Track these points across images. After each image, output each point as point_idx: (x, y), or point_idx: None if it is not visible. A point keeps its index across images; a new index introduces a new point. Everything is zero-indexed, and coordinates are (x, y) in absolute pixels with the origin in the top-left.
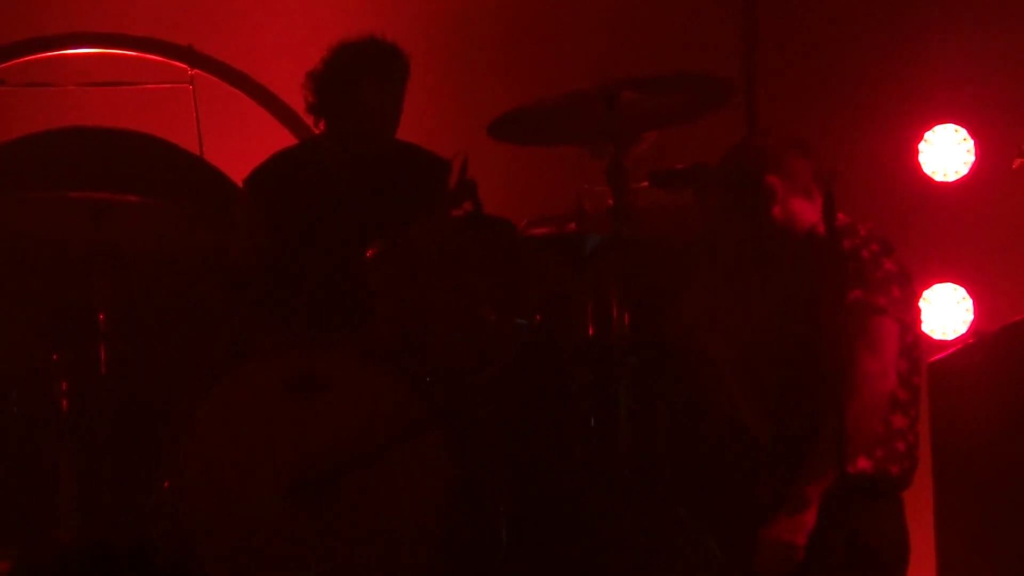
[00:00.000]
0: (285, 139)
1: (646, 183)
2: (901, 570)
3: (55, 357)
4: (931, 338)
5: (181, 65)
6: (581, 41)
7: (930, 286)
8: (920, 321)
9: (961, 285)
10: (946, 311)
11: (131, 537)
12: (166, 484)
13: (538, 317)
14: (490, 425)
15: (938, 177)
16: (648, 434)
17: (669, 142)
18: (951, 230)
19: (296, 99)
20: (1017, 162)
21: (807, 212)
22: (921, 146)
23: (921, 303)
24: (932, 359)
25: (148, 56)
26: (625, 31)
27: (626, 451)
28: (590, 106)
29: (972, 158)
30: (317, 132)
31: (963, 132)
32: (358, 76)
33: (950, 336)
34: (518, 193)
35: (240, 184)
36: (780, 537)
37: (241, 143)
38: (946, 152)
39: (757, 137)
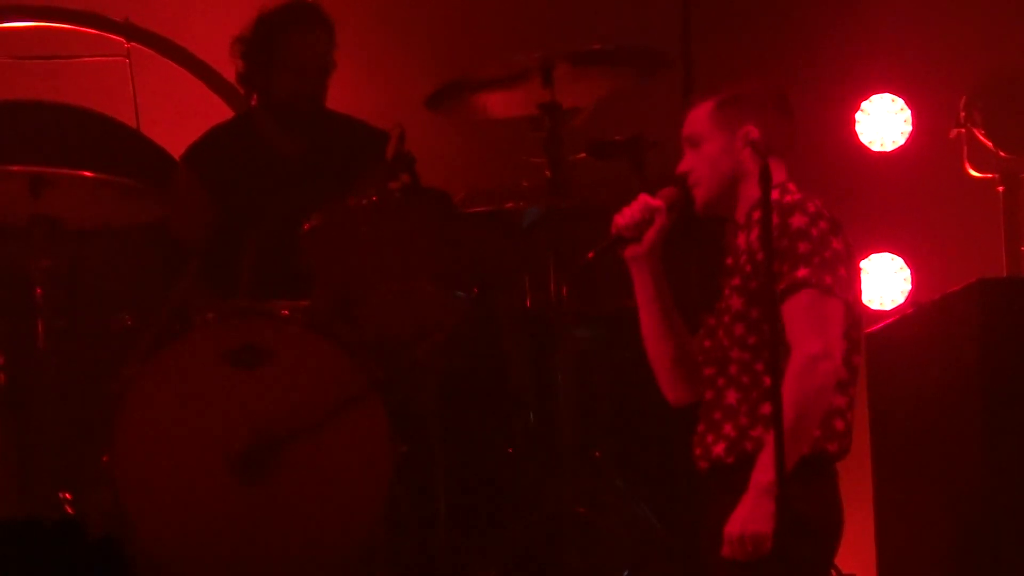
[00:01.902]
0: (222, 112)
1: (583, 154)
2: (834, 541)
3: None
4: (869, 308)
5: (117, 38)
6: (519, 13)
7: (868, 256)
8: (860, 299)
9: (899, 255)
10: (884, 281)
11: (64, 513)
12: (104, 458)
13: (476, 289)
14: (429, 396)
15: (875, 147)
16: (586, 406)
17: (606, 113)
18: (888, 200)
19: (231, 70)
20: (954, 132)
21: (753, 186)
22: (858, 116)
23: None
24: (870, 329)
25: (84, 29)
26: (562, 2)
27: (564, 423)
28: (528, 78)
29: (909, 128)
30: (252, 104)
31: (900, 102)
32: (282, 33)
33: (888, 306)
34: (456, 165)
35: (178, 159)
36: (747, 528)
37: (178, 116)
38: (883, 122)
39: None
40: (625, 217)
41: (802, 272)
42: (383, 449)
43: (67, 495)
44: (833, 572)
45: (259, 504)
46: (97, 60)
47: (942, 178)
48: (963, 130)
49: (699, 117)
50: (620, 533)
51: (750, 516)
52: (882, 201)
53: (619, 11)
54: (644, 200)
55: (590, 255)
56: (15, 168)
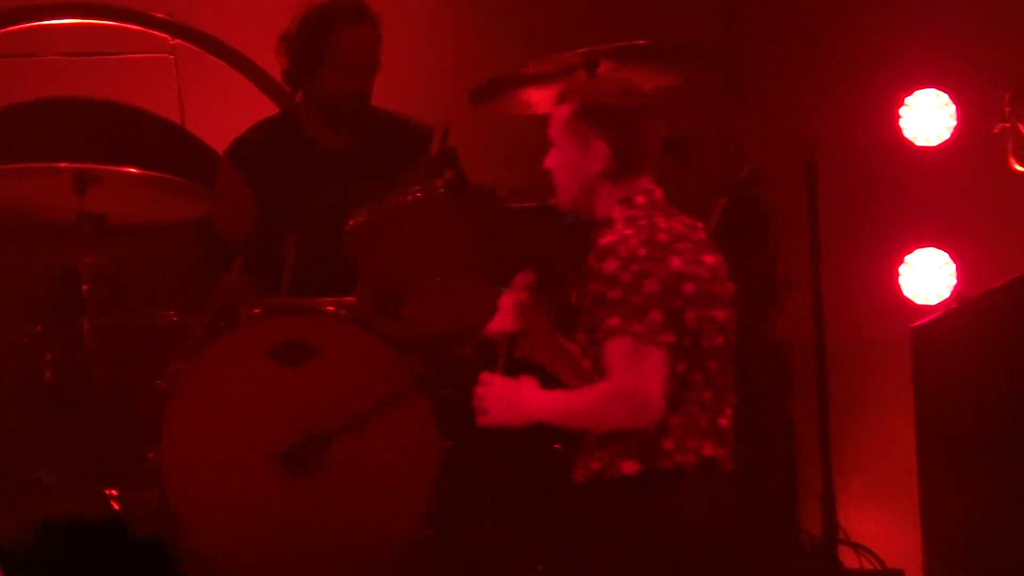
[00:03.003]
0: (267, 108)
1: None
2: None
3: (39, 328)
4: (914, 303)
5: (162, 35)
6: (564, 8)
7: (912, 251)
8: (700, 323)
9: (944, 250)
10: (929, 276)
11: (110, 510)
12: (150, 455)
13: None
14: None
15: (919, 142)
16: None
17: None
18: (933, 195)
19: (277, 67)
20: (999, 127)
21: (607, 196)
22: (902, 111)
23: (904, 268)
24: (915, 324)
25: (129, 26)
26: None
27: None
28: (573, 73)
29: (954, 123)
30: (297, 100)
31: (944, 97)
32: (328, 31)
33: (933, 301)
34: (500, 161)
35: (222, 154)
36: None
37: (223, 113)
38: (928, 117)
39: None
40: (498, 326)
41: (613, 321)
42: (428, 445)
43: (113, 492)
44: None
45: (304, 501)
46: (142, 57)
47: (987, 173)
48: (1008, 125)
49: (557, 121)
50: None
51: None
52: (927, 196)
53: (664, 7)
54: (508, 302)
55: (467, 351)
56: (60, 165)
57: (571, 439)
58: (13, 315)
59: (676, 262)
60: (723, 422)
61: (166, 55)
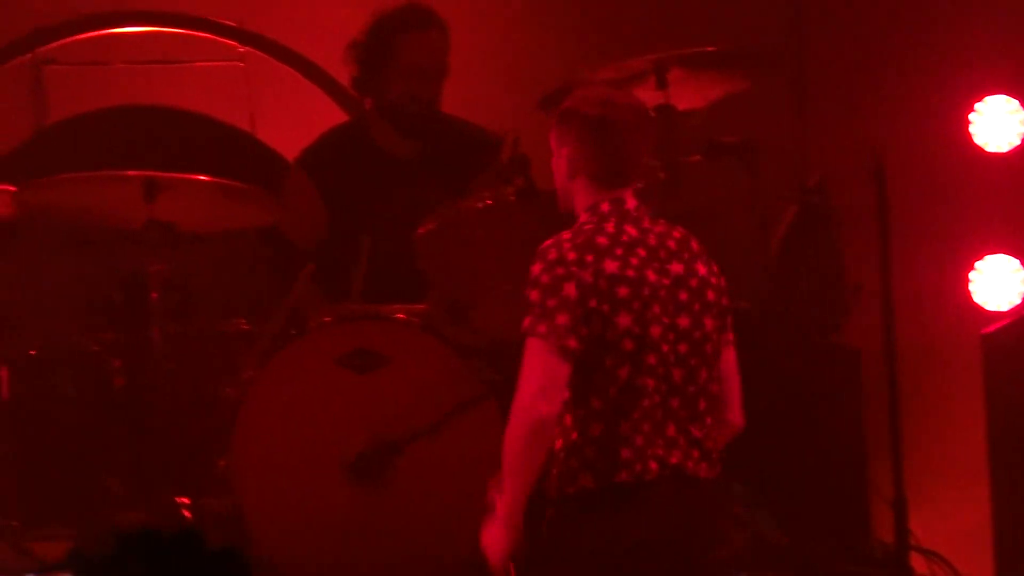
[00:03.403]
0: (337, 116)
1: (697, 156)
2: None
3: (108, 336)
4: (984, 309)
5: (231, 43)
6: (633, 15)
7: (983, 257)
8: (647, 327)
9: (1015, 256)
10: (999, 282)
11: (182, 519)
12: (221, 463)
13: None
14: None
15: (990, 148)
16: None
17: (720, 115)
18: (1003, 201)
19: (346, 74)
20: None
21: (580, 202)
22: (972, 117)
23: (974, 274)
24: (986, 330)
25: (199, 34)
26: (676, 5)
27: None
28: (642, 80)
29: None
30: (366, 108)
31: (1015, 103)
32: (396, 36)
33: (1004, 307)
34: None
35: (291, 163)
36: (483, 544)
37: (292, 120)
38: (998, 123)
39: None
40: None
41: (527, 321)
42: (499, 453)
43: (184, 501)
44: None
45: (375, 509)
46: (212, 65)
47: None
48: None
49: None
50: (738, 538)
51: (485, 537)
52: (996, 202)
53: (732, 13)
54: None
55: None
56: (130, 172)
57: None
58: (83, 323)
59: (611, 266)
60: (698, 432)
61: (236, 63)
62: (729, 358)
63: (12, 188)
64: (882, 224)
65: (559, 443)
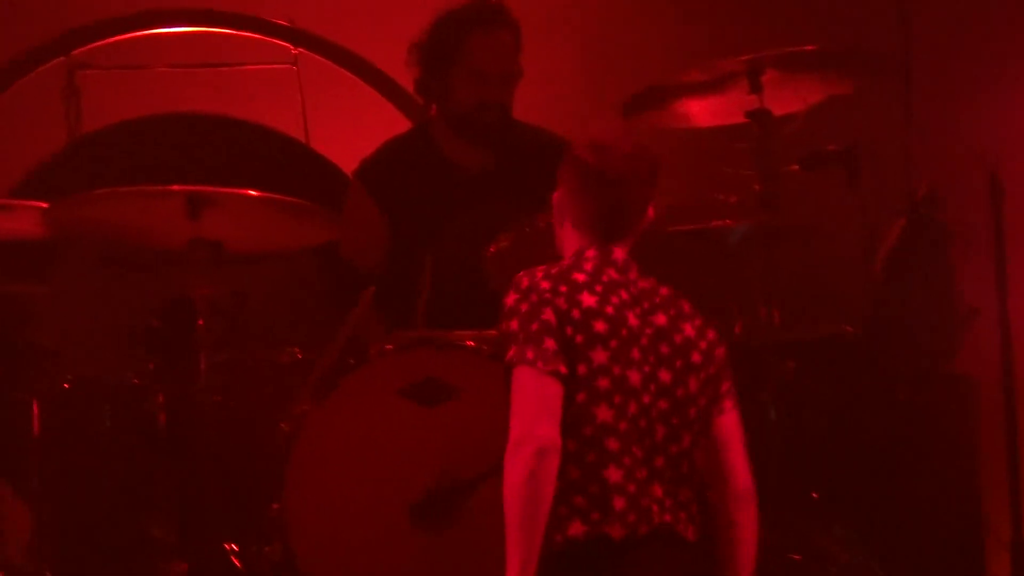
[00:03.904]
0: (398, 123)
1: (795, 166)
2: None
3: (151, 366)
4: None
5: (283, 44)
6: (724, 13)
7: None
8: (627, 370)
9: None
10: None
11: (231, 567)
12: (274, 505)
13: None
14: None
15: None
16: (801, 442)
17: (820, 121)
18: None
19: (409, 78)
20: None
21: (568, 247)
22: None
23: None
24: None
25: (248, 35)
26: (771, 3)
27: (777, 461)
28: (734, 83)
29: None
30: (431, 115)
31: None
32: (462, 36)
33: None
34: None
35: (350, 175)
36: None
37: (350, 129)
38: None
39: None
40: None
41: (511, 351)
42: None
43: (234, 547)
44: None
45: (442, 554)
46: (262, 68)
47: None
48: None
49: None
50: None
51: None
52: None
53: (833, 11)
54: None
55: None
56: (173, 187)
57: None
58: (122, 352)
59: (587, 299)
60: (684, 494)
61: (288, 66)
62: (730, 424)
63: (43, 205)
64: (998, 240)
65: None
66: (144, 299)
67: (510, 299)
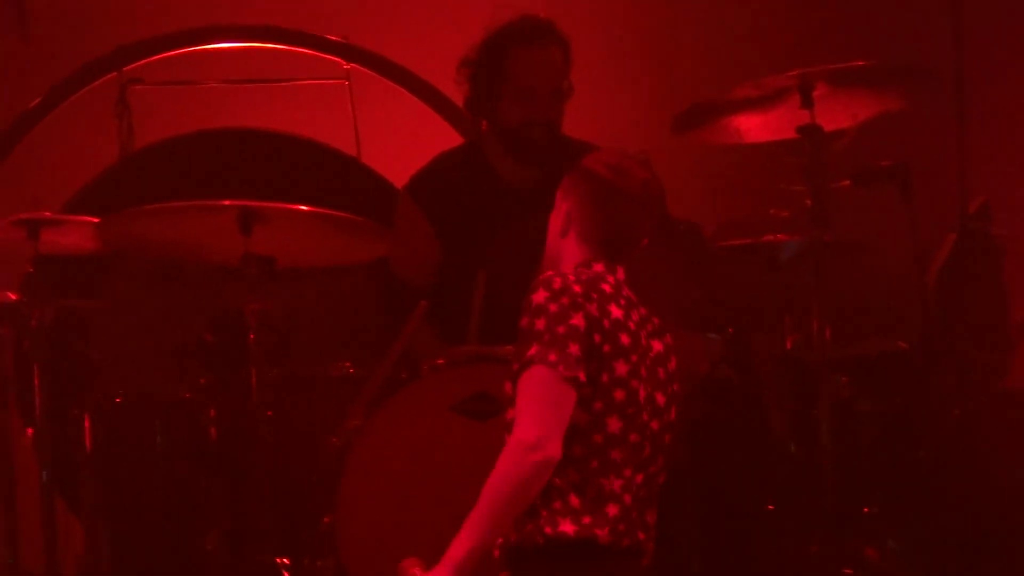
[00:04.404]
0: (450, 139)
1: (847, 182)
2: None
3: (202, 381)
4: None
5: (335, 59)
6: (775, 28)
7: None
8: (639, 387)
9: None
10: None
11: None
12: (326, 520)
13: (730, 330)
14: (680, 448)
15: None
16: (853, 458)
17: (871, 137)
18: None
19: (460, 94)
20: None
21: (568, 264)
22: None
23: None
24: None
25: (299, 50)
26: (822, 18)
27: (829, 477)
28: (785, 98)
29: None
30: (482, 131)
31: None
32: (509, 52)
33: None
34: (706, 195)
35: (400, 189)
36: None
37: (401, 144)
38: None
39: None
40: None
41: (533, 349)
42: None
43: (285, 561)
44: None
45: (492, 569)
46: (314, 83)
47: None
48: None
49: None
50: None
51: None
52: None
53: (885, 26)
54: None
55: None
56: (225, 202)
57: (785, 499)
58: (175, 367)
59: (615, 311)
60: (651, 517)
61: (341, 81)
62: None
63: (96, 220)
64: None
65: None
66: (196, 314)
67: (539, 296)
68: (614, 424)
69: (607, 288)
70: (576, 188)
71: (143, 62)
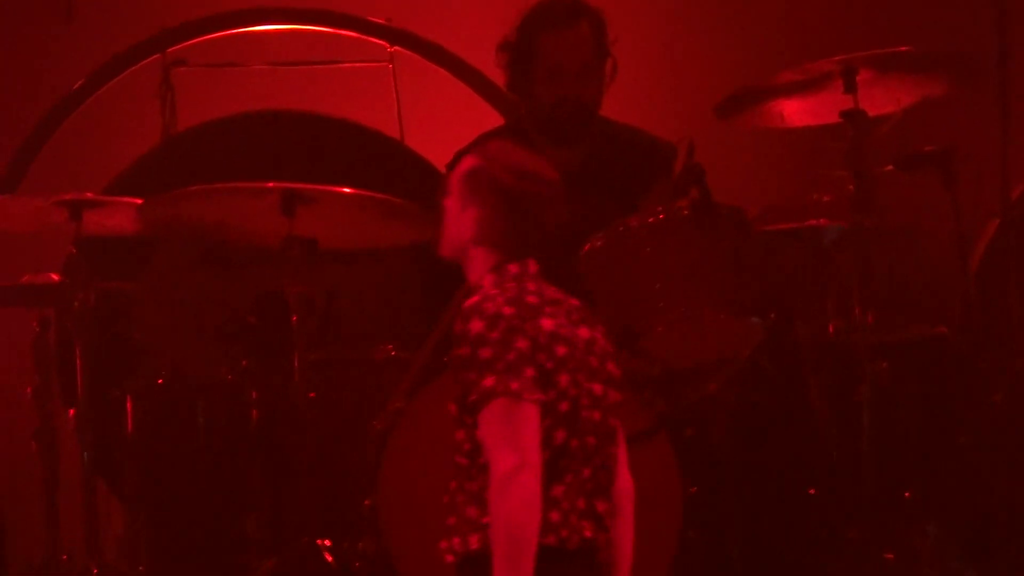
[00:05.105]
0: (492, 120)
1: (890, 167)
2: None
3: (244, 363)
4: None
5: (379, 42)
6: (818, 13)
7: None
8: (578, 390)
9: None
10: None
11: (323, 563)
12: (367, 502)
13: (772, 315)
14: (721, 433)
15: None
16: (894, 443)
17: (915, 122)
18: None
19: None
20: None
21: (480, 264)
22: None
23: None
24: None
25: (343, 32)
26: (866, 3)
27: (870, 462)
28: (828, 83)
29: None
30: (523, 113)
31: None
32: (537, 34)
33: None
34: (749, 179)
35: (444, 171)
36: None
37: (445, 127)
38: None
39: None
40: None
41: (489, 381)
42: (671, 490)
43: (326, 542)
44: None
45: None
46: (358, 66)
47: None
48: None
49: (456, 171)
50: None
51: None
52: None
53: (929, 11)
54: None
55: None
56: (268, 184)
57: (826, 484)
58: (217, 349)
59: (547, 323)
60: (601, 507)
61: (384, 64)
62: (617, 423)
63: (139, 201)
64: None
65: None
66: (238, 296)
67: (476, 325)
68: (560, 435)
69: (533, 300)
70: (481, 196)
71: (187, 44)
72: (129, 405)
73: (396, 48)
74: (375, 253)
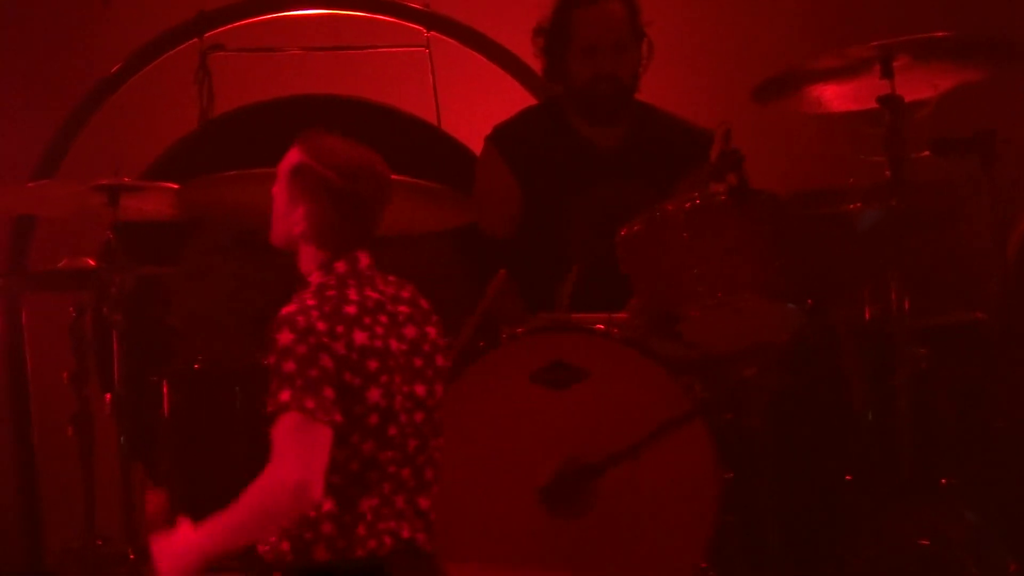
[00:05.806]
0: (529, 104)
1: (927, 152)
2: None
3: None
4: None
5: (416, 27)
6: None
7: None
8: (392, 399)
9: None
10: None
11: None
12: None
13: (809, 301)
14: (758, 418)
15: None
16: (931, 429)
17: (952, 107)
18: None
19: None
20: None
21: (310, 258)
22: None
23: None
24: None
25: (379, 17)
26: None
27: (906, 447)
28: (866, 68)
29: None
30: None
31: None
32: (571, 15)
33: None
34: (787, 164)
35: (484, 140)
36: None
37: (481, 112)
38: None
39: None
40: None
41: (285, 395)
42: (708, 476)
43: None
44: None
45: (571, 538)
46: (394, 51)
47: None
48: None
49: (284, 162)
50: (969, 570)
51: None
52: None
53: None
54: None
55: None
56: None
57: (863, 470)
58: (253, 334)
59: (360, 337)
60: (424, 503)
61: (421, 48)
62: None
63: (175, 186)
64: None
65: None
66: (274, 281)
67: (285, 337)
68: (370, 449)
69: (350, 310)
70: (308, 194)
71: (224, 28)
72: (165, 390)
73: (433, 33)
74: (411, 238)
